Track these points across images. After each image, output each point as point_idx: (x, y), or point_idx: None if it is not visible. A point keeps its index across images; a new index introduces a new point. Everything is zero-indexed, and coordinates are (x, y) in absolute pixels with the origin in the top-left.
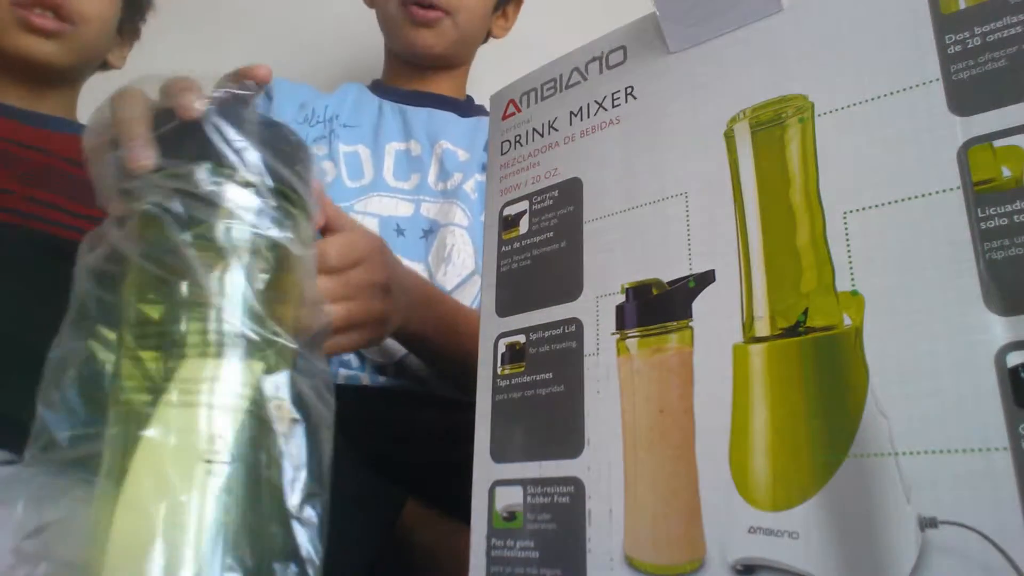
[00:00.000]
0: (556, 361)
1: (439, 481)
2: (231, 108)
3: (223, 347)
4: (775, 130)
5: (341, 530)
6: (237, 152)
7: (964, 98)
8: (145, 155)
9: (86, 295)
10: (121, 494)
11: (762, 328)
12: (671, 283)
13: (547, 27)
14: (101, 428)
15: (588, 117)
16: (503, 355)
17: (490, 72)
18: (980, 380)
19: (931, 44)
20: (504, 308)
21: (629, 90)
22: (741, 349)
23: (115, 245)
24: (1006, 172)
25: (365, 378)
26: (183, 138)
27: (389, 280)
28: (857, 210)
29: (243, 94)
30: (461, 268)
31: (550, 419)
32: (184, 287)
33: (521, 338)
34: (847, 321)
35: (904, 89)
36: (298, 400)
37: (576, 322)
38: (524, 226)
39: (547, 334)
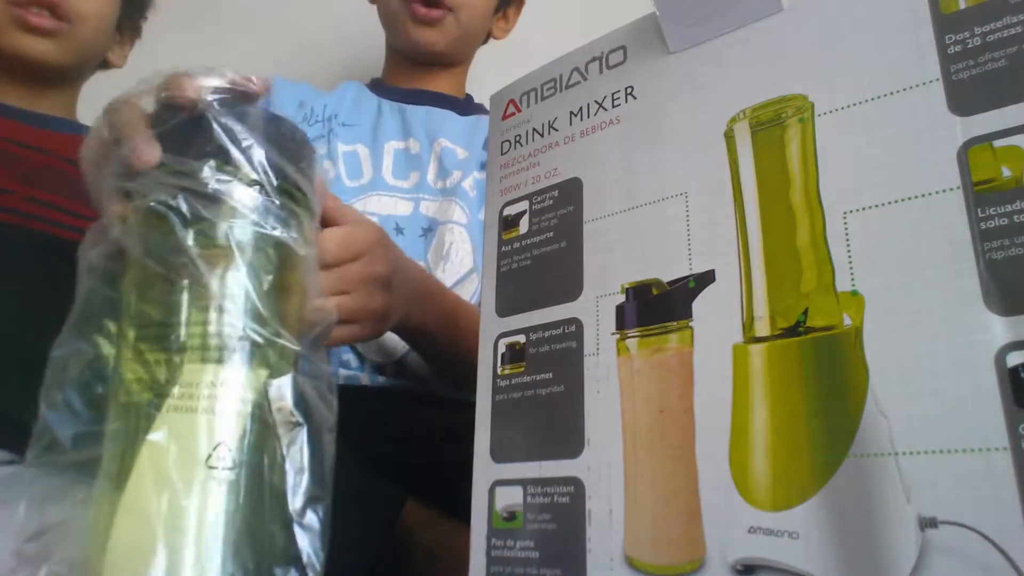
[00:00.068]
0: (556, 361)
1: (439, 481)
2: (235, 104)
3: (225, 349)
4: (775, 130)
5: (341, 530)
6: (242, 149)
7: (964, 98)
8: (149, 151)
9: (89, 293)
10: (123, 498)
11: (762, 328)
12: (671, 283)
13: (547, 27)
14: (103, 429)
15: (588, 117)
16: (503, 355)
17: (490, 72)
18: (980, 380)
19: (931, 44)
20: (504, 308)
21: (629, 90)
22: (741, 349)
23: (117, 241)
24: (1006, 172)
25: (364, 378)
26: (187, 135)
27: (390, 274)
28: (857, 210)
29: (246, 91)
30: (459, 266)
31: (550, 419)
32: (186, 286)
33: (521, 338)
34: (847, 321)
35: (904, 89)
36: (301, 402)
37: (576, 322)
38: (524, 226)
39: (547, 334)
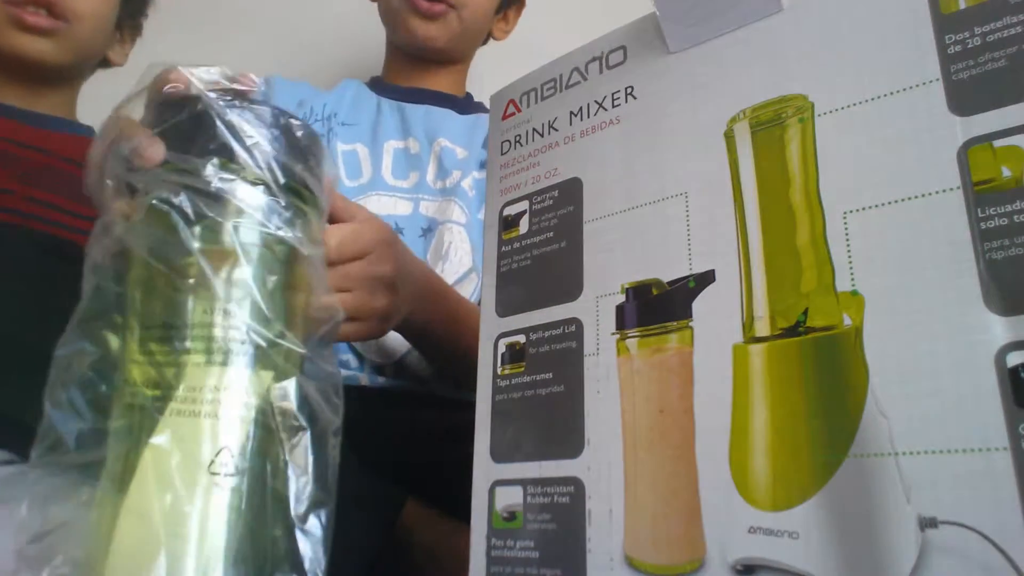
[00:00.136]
0: (556, 361)
1: (439, 481)
2: (242, 100)
3: (229, 352)
4: (775, 130)
5: (341, 530)
6: (247, 147)
7: (964, 98)
8: (152, 148)
9: (94, 291)
10: (125, 501)
11: (762, 328)
12: (671, 283)
13: (547, 27)
14: (107, 428)
15: (588, 117)
16: (503, 355)
17: (490, 72)
18: (980, 380)
19: (931, 44)
20: (504, 308)
21: (629, 90)
22: (741, 349)
23: (121, 238)
24: (1006, 172)
25: (364, 378)
26: (191, 132)
27: (395, 274)
28: (857, 210)
29: (237, 88)
30: (458, 265)
31: (550, 419)
32: (189, 286)
33: (521, 338)
34: (847, 321)
35: (904, 89)
36: (305, 406)
37: (576, 322)
38: (524, 226)
39: (547, 334)
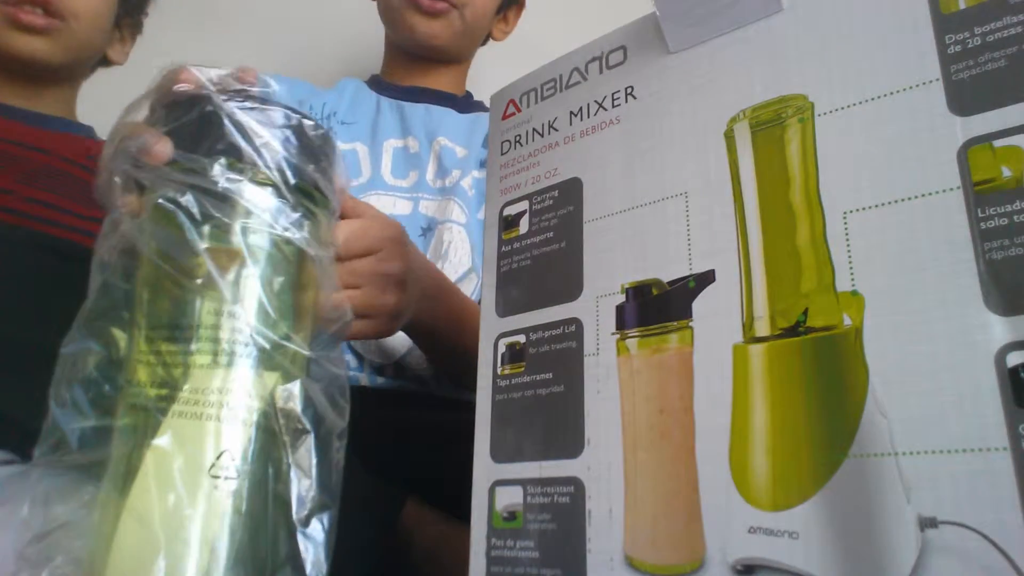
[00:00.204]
0: (556, 361)
1: (439, 481)
2: (254, 100)
3: (235, 354)
4: (775, 130)
5: (341, 530)
6: (256, 148)
7: (964, 98)
8: (160, 145)
9: (100, 289)
10: (127, 503)
11: (762, 328)
12: (671, 283)
13: (547, 27)
14: (110, 428)
15: (588, 117)
16: (503, 355)
17: (490, 72)
18: (980, 380)
19: (931, 44)
20: (504, 308)
21: (629, 90)
22: (741, 349)
23: (128, 237)
24: (1006, 172)
25: (364, 379)
26: (200, 131)
27: (405, 272)
28: (857, 210)
29: (260, 90)
30: (458, 265)
31: (550, 419)
32: (196, 287)
33: (521, 338)
34: (847, 321)
35: (904, 89)
36: (309, 408)
37: (576, 322)
38: (524, 226)
39: (547, 334)
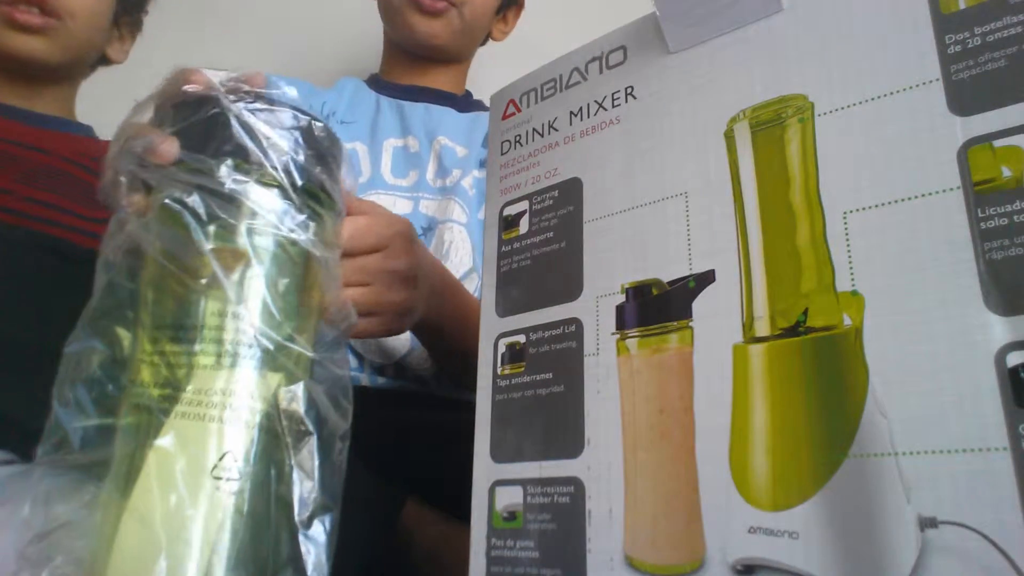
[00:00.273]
0: (556, 361)
1: (439, 481)
2: (263, 102)
3: (238, 356)
4: (775, 130)
5: (341, 530)
6: (262, 149)
7: (964, 98)
8: (166, 145)
9: (105, 288)
10: (128, 503)
11: (762, 328)
12: (671, 283)
13: (547, 27)
14: (113, 428)
15: (588, 117)
16: (503, 355)
17: (490, 72)
18: (980, 380)
19: (931, 44)
20: (504, 308)
21: (629, 90)
22: (741, 349)
23: (133, 236)
24: (1006, 172)
25: (364, 379)
26: (207, 132)
27: (414, 269)
28: (857, 210)
29: (270, 91)
30: (459, 265)
31: (550, 419)
32: (201, 287)
33: (521, 338)
34: (847, 321)
35: (904, 89)
36: (312, 410)
37: (576, 322)
38: (524, 226)
39: (547, 334)
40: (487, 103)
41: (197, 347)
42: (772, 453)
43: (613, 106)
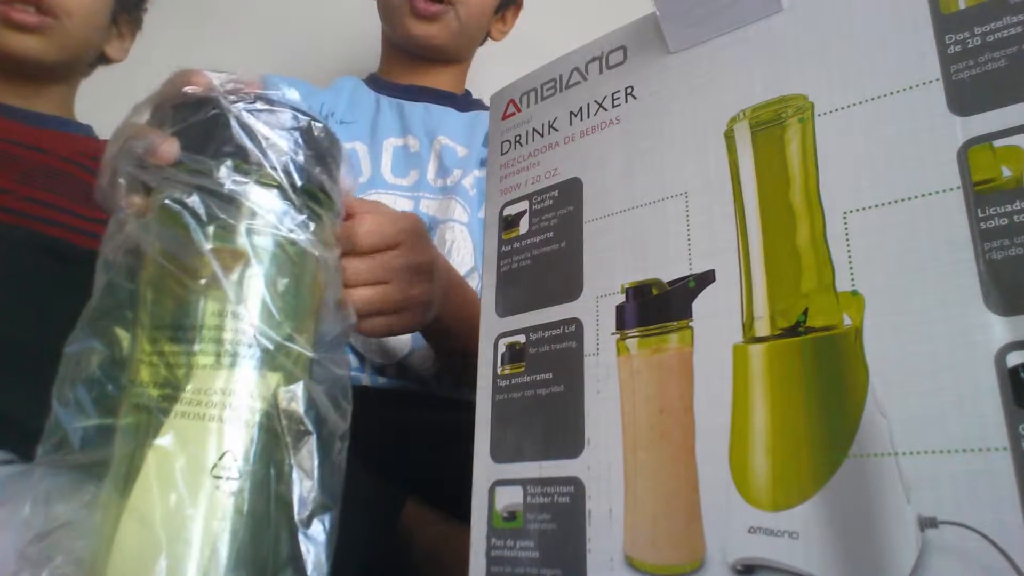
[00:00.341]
0: (556, 361)
1: (439, 481)
2: (258, 101)
3: (238, 356)
4: (775, 130)
5: (341, 530)
6: (262, 150)
7: (964, 98)
8: (166, 146)
9: (105, 289)
10: (128, 502)
11: (762, 328)
12: (671, 283)
13: (547, 27)
14: (113, 428)
15: (588, 117)
16: (503, 355)
17: (490, 72)
18: (980, 380)
19: (931, 44)
20: (504, 308)
21: (629, 90)
22: (741, 349)
23: (133, 236)
24: (1006, 172)
25: (365, 379)
26: (207, 133)
27: (431, 263)
28: (857, 210)
29: (268, 94)
30: (460, 265)
31: (550, 419)
32: (200, 287)
33: (521, 338)
34: (847, 321)
35: (904, 89)
36: (311, 410)
37: (576, 322)
38: (524, 226)
39: (547, 334)
40: (487, 103)
41: (196, 347)
42: (772, 453)
43: (613, 106)
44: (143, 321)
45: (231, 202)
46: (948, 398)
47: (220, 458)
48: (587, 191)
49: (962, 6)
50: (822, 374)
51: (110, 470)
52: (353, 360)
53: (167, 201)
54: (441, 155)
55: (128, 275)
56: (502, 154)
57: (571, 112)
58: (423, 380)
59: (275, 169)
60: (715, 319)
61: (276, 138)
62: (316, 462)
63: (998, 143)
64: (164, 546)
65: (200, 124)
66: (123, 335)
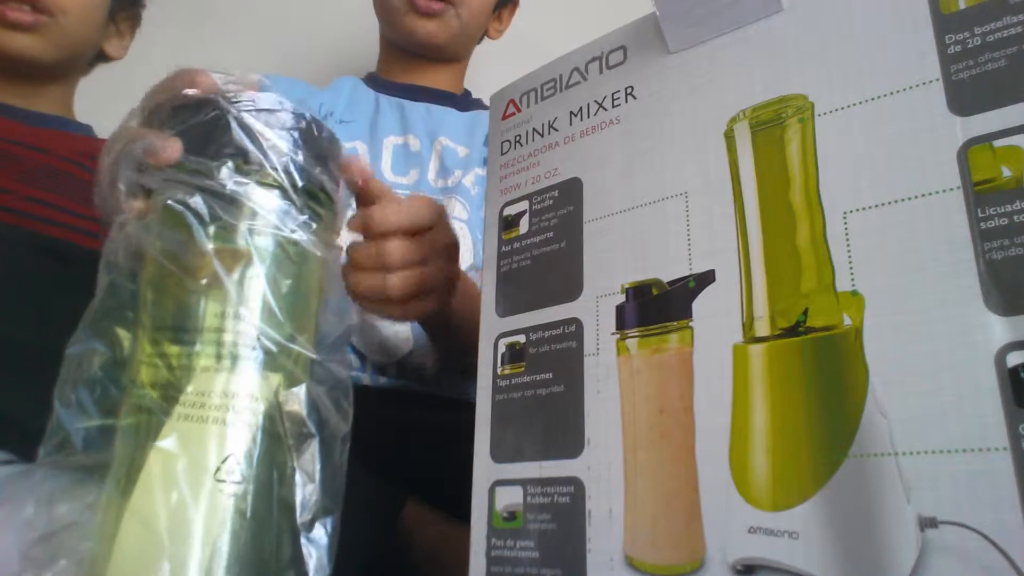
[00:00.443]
0: (556, 361)
1: (439, 481)
2: (259, 101)
3: (239, 358)
4: (775, 130)
5: (342, 530)
6: (263, 150)
7: (964, 98)
8: (167, 148)
9: (107, 290)
10: (130, 504)
11: (762, 328)
12: (671, 283)
13: (547, 27)
14: (114, 429)
15: (588, 117)
16: (503, 355)
17: (489, 71)
18: (980, 380)
19: (931, 44)
20: (504, 308)
21: (629, 90)
22: (741, 349)
23: (134, 237)
24: (1006, 172)
25: (366, 378)
26: (207, 133)
27: (457, 243)
28: (857, 210)
29: (266, 95)
30: (460, 261)
31: (550, 419)
32: (201, 287)
33: (521, 338)
34: (847, 321)
35: (904, 89)
36: (314, 412)
37: (576, 322)
38: (524, 226)
39: (547, 334)
40: (486, 102)
41: (197, 348)
42: (772, 453)
43: (613, 106)
44: (144, 322)
45: (233, 203)
46: (948, 398)
47: (223, 462)
48: (587, 191)
49: (962, 6)
50: (822, 374)
51: (112, 471)
52: (354, 360)
53: (170, 202)
54: (442, 156)
55: (130, 276)
56: (502, 154)
57: (571, 112)
58: (424, 380)
59: (276, 169)
60: (715, 319)
61: (276, 139)
62: (318, 465)
63: (998, 143)
64: (166, 548)
65: (200, 126)
66: (124, 335)
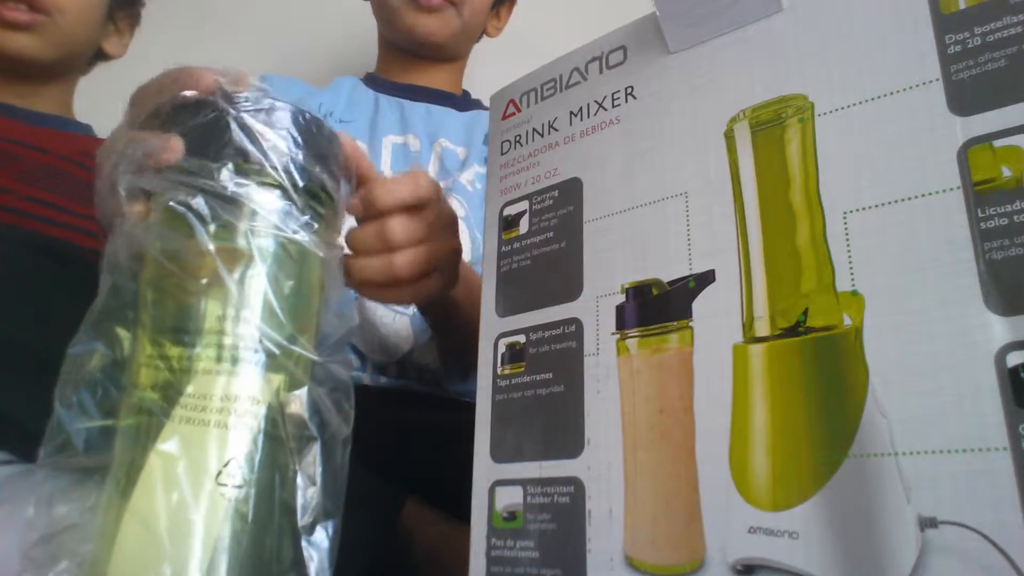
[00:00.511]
0: (556, 361)
1: (439, 481)
2: (258, 101)
3: (240, 360)
4: (775, 130)
5: (342, 530)
6: (263, 150)
7: (964, 98)
8: (170, 148)
9: (109, 291)
10: (130, 506)
11: (762, 328)
12: (671, 283)
13: (547, 27)
14: (115, 430)
15: (588, 117)
16: (503, 355)
17: (488, 71)
18: (980, 380)
19: (931, 44)
20: (504, 308)
21: (629, 90)
22: (741, 349)
23: (135, 238)
24: (1006, 172)
25: (366, 378)
26: (207, 134)
27: (456, 218)
28: (857, 210)
29: (264, 95)
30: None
31: (550, 419)
32: (202, 288)
33: (521, 338)
34: (847, 321)
35: (904, 89)
36: (315, 415)
37: (576, 322)
38: (524, 226)
39: (547, 334)
40: (486, 102)
41: (198, 349)
42: (772, 453)
43: (613, 106)
44: (144, 323)
45: (234, 204)
46: (948, 398)
47: (225, 465)
48: (587, 191)
49: (962, 6)
50: (822, 374)
51: (112, 472)
52: (354, 359)
53: (172, 203)
54: (442, 158)
55: (132, 277)
56: (502, 154)
57: (571, 112)
58: (424, 379)
59: (276, 170)
60: (715, 319)
61: (276, 139)
62: (319, 468)
63: (998, 143)
64: (167, 550)
65: (200, 127)
66: (125, 337)
